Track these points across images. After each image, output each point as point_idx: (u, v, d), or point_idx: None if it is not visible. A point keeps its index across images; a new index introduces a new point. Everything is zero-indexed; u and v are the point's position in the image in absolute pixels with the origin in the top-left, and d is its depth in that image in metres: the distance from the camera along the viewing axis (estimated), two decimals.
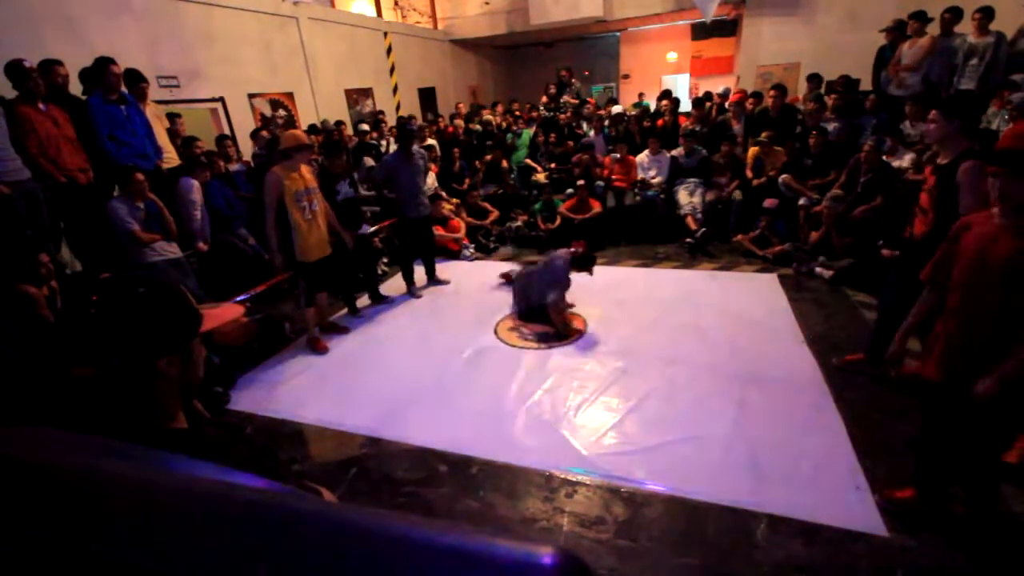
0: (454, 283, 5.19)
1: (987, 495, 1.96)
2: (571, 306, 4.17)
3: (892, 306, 2.79)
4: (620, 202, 6.15)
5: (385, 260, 5.82)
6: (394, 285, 5.27)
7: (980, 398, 1.72)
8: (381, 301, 4.81)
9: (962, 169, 2.36)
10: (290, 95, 7.57)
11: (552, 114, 8.55)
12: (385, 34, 9.60)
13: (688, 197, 5.96)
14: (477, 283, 4.98)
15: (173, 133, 4.92)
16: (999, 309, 1.71)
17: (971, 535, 1.99)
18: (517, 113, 8.78)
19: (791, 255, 4.97)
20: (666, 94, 7.80)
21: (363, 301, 4.83)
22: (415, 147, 4.70)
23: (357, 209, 4.37)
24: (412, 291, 4.99)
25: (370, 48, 9.24)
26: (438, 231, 5.98)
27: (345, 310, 4.64)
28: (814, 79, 6.60)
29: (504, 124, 8.24)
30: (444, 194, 6.29)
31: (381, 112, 8.57)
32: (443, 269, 5.61)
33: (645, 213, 6.12)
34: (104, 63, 3.98)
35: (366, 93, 9.23)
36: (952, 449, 1.97)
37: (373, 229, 5.25)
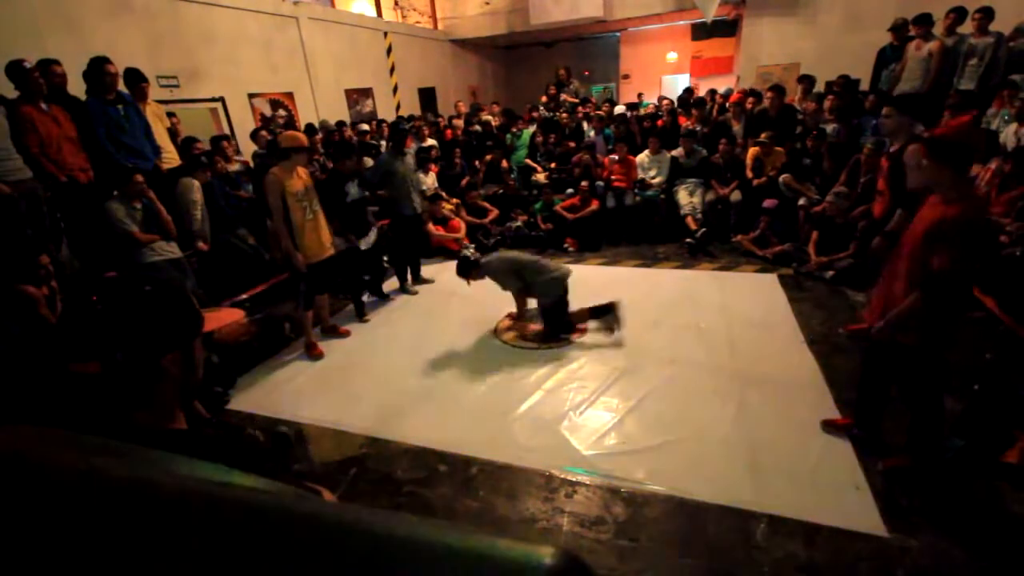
0: (453, 283, 5.18)
1: (927, 431, 2.26)
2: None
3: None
4: (620, 202, 6.15)
5: (385, 258, 5.83)
6: (389, 283, 5.27)
7: (875, 337, 2.22)
8: (384, 299, 4.85)
9: (908, 151, 2.80)
10: (290, 95, 7.58)
11: (552, 114, 8.54)
12: (385, 34, 9.60)
13: (688, 197, 5.96)
14: (477, 283, 4.97)
15: (173, 132, 4.92)
16: (912, 269, 2.06)
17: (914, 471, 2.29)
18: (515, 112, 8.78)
19: (791, 255, 4.97)
20: (688, 91, 7.81)
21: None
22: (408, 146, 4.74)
23: (365, 210, 4.38)
24: (405, 288, 5.00)
25: (370, 48, 9.24)
26: (438, 231, 5.99)
27: (347, 307, 4.64)
28: (806, 79, 6.60)
29: (501, 121, 8.22)
30: (444, 194, 6.29)
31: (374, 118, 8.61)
32: (443, 268, 5.61)
33: (645, 213, 6.12)
34: (99, 63, 3.96)
35: (366, 93, 9.23)
36: (883, 385, 2.40)
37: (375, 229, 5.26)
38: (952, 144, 1.95)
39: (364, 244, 4.28)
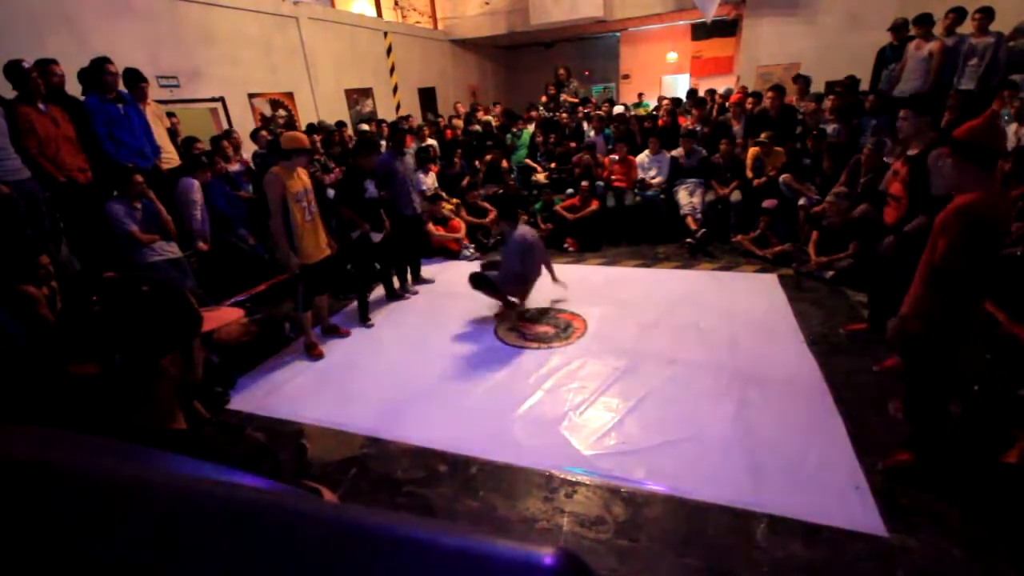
0: (453, 283, 5.19)
1: (930, 432, 2.29)
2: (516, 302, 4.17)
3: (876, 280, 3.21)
4: (620, 202, 6.15)
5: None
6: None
7: (887, 337, 2.26)
8: (397, 297, 4.88)
9: (932, 155, 2.72)
10: (290, 95, 7.58)
11: (552, 114, 8.54)
12: (385, 34, 9.60)
13: (688, 197, 5.96)
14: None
15: (173, 132, 4.92)
16: (927, 262, 2.11)
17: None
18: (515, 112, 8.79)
19: (791, 255, 4.97)
20: (691, 94, 7.82)
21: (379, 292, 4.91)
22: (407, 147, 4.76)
23: (379, 208, 4.38)
24: (405, 289, 5.00)
25: (370, 48, 9.24)
26: (438, 231, 5.99)
27: (347, 308, 4.64)
28: (801, 79, 6.61)
29: (501, 122, 8.22)
30: (444, 194, 6.29)
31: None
32: (443, 268, 5.62)
33: (645, 213, 6.12)
34: (100, 63, 3.99)
35: (366, 93, 9.23)
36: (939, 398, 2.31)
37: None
38: (975, 141, 2.00)
39: (376, 237, 4.29)
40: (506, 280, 4.04)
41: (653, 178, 6.18)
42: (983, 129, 2.02)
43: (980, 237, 1.96)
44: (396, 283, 4.96)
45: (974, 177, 2.00)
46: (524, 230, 4.07)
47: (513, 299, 4.10)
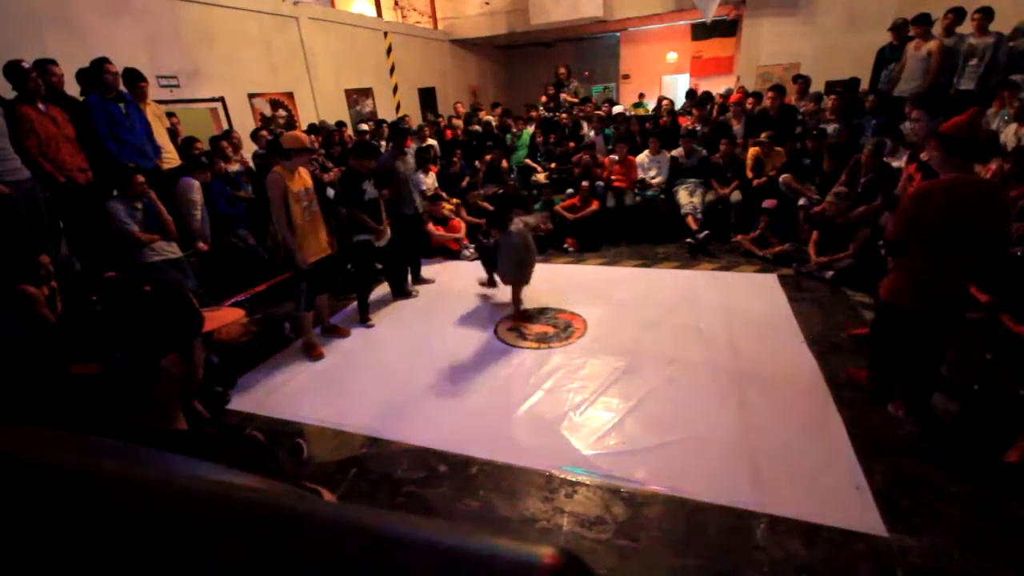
0: (453, 283, 5.20)
1: (919, 393, 2.62)
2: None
3: None
4: (620, 202, 6.15)
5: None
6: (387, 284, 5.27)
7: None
8: (406, 296, 4.92)
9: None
10: (290, 95, 7.58)
11: (552, 115, 8.54)
12: (385, 34, 9.60)
13: (688, 197, 5.96)
14: (476, 283, 4.98)
15: (173, 132, 4.92)
16: None
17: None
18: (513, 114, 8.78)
19: (791, 255, 4.96)
20: (691, 93, 7.82)
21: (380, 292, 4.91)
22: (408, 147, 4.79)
23: (380, 208, 4.38)
24: (405, 289, 5.00)
25: (370, 48, 9.24)
26: (438, 231, 5.99)
27: (347, 308, 4.64)
28: (801, 79, 6.61)
29: (501, 123, 8.22)
30: (444, 194, 6.29)
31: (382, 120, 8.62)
32: (443, 269, 5.62)
33: (645, 213, 6.12)
34: (100, 63, 3.99)
35: (366, 93, 9.23)
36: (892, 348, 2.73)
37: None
38: (959, 136, 2.24)
39: (379, 243, 4.28)
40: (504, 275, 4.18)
41: (653, 178, 6.18)
42: (967, 125, 2.23)
43: (919, 210, 2.26)
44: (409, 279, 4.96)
45: (955, 167, 2.24)
46: (517, 231, 4.10)
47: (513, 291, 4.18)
